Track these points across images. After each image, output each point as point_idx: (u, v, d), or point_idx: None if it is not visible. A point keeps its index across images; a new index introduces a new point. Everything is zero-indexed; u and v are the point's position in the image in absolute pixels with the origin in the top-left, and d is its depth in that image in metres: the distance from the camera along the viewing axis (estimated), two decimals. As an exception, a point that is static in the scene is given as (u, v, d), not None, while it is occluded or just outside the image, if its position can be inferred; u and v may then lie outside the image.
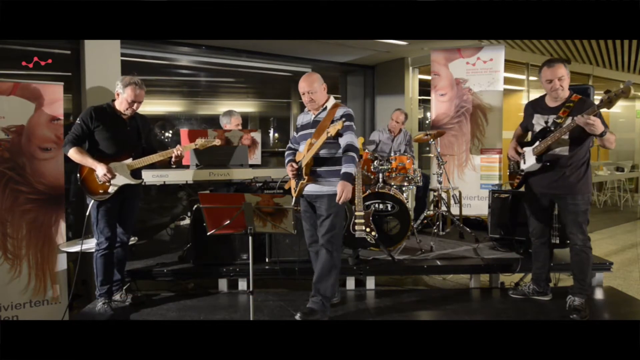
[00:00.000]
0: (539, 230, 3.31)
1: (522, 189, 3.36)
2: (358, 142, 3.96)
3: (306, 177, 2.92)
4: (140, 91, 3.10)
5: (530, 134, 3.24)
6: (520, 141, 3.33)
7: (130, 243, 3.48)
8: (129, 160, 3.15)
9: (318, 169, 2.97)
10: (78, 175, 3.11)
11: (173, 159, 3.20)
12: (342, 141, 2.91)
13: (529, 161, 3.17)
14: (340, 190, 2.80)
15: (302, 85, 3.02)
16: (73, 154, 3.05)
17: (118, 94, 3.11)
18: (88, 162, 3.05)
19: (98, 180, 3.06)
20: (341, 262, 3.73)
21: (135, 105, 3.12)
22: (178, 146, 3.21)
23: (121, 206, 3.21)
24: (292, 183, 3.08)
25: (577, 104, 2.98)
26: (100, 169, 3.02)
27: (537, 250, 3.37)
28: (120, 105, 3.12)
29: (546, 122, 3.08)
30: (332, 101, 3.08)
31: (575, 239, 3.12)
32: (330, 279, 2.98)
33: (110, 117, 3.13)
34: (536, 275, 3.44)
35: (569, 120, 2.95)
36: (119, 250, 3.30)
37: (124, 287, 3.43)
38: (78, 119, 3.13)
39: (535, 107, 3.20)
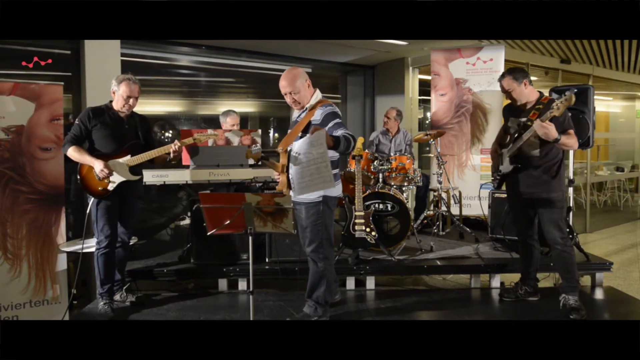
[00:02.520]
0: (521, 230, 3.35)
1: (503, 188, 3.45)
2: (358, 141, 3.98)
3: (284, 190, 2.64)
4: (135, 86, 3.11)
5: (509, 136, 3.30)
6: (502, 143, 3.38)
7: (131, 243, 3.48)
8: (128, 157, 3.15)
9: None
10: (78, 174, 3.12)
11: (171, 155, 3.19)
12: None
13: (505, 163, 3.25)
14: (315, 129, 2.47)
15: (283, 85, 2.76)
16: (72, 152, 3.08)
17: (114, 92, 3.13)
18: (86, 159, 3.06)
19: (97, 177, 3.07)
20: (339, 263, 3.77)
21: (131, 100, 3.13)
22: (176, 141, 3.20)
23: (121, 205, 3.21)
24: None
25: (547, 105, 3.02)
26: (97, 165, 3.03)
27: (522, 250, 3.39)
28: (117, 103, 3.14)
29: (519, 125, 3.14)
30: (315, 99, 2.82)
31: (556, 238, 3.11)
32: (322, 287, 2.92)
33: (108, 116, 3.15)
34: (525, 275, 3.43)
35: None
36: (120, 250, 3.30)
37: (124, 287, 3.42)
38: (77, 120, 3.15)
39: (511, 110, 3.27)
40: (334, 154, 2.82)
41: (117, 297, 3.36)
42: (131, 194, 3.24)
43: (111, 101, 3.18)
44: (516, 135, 3.15)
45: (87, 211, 3.20)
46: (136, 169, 3.20)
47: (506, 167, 3.24)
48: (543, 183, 3.10)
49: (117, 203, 3.18)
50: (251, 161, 3.98)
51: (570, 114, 3.04)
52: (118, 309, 3.26)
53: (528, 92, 3.10)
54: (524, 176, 3.17)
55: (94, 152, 3.11)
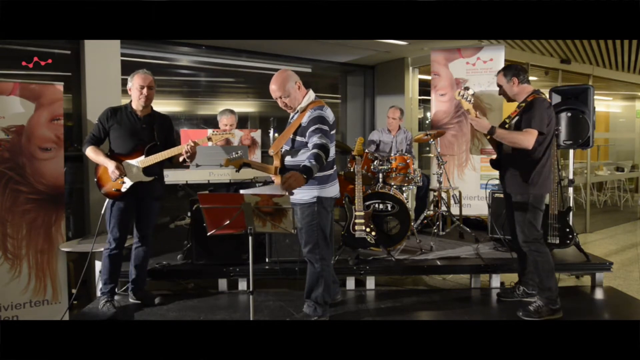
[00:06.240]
0: (510, 230, 3.31)
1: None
2: (358, 141, 3.98)
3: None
4: (147, 76, 3.11)
5: None
6: None
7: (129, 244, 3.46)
8: (141, 158, 3.12)
9: None
10: (95, 174, 3.16)
11: (184, 155, 3.07)
12: (310, 144, 2.66)
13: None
14: (286, 177, 2.39)
15: (273, 89, 2.75)
16: (89, 152, 3.13)
17: (130, 89, 3.13)
18: (100, 160, 3.10)
19: (111, 178, 3.08)
20: (339, 263, 3.77)
21: (145, 90, 3.09)
22: (190, 141, 3.08)
23: (138, 206, 3.21)
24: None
25: (528, 104, 3.02)
26: (110, 166, 3.04)
27: (519, 251, 3.33)
28: (134, 96, 3.13)
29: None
30: (306, 101, 2.80)
31: (520, 242, 3.11)
32: (320, 287, 2.92)
33: (125, 115, 3.16)
34: (523, 276, 3.41)
35: (516, 119, 3.05)
36: (140, 250, 3.31)
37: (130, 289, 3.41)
38: (97, 119, 3.19)
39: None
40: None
41: (132, 295, 3.39)
42: (147, 194, 3.20)
43: (131, 101, 3.19)
44: None
45: (102, 211, 3.22)
46: (150, 170, 3.15)
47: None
48: (516, 184, 3.07)
49: (132, 205, 3.18)
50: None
51: (534, 112, 2.93)
52: (118, 309, 3.27)
53: (517, 90, 3.09)
54: (503, 175, 3.19)
55: (112, 153, 3.13)
